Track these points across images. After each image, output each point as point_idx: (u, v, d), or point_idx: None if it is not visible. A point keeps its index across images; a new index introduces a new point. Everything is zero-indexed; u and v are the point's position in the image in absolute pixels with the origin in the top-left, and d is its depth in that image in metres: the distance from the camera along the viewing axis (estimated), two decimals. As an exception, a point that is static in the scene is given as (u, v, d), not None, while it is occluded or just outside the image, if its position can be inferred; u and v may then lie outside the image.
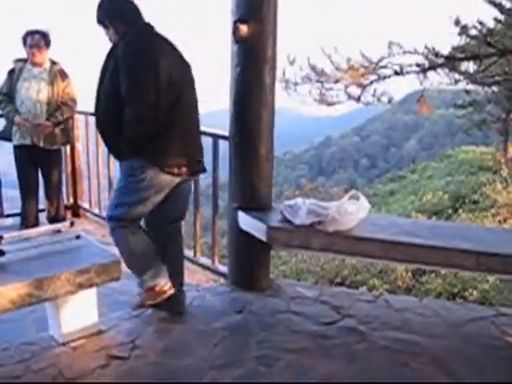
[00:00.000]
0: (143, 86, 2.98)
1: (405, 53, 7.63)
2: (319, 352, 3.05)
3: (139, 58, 3.01)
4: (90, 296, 2.88)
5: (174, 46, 3.24)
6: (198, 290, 3.90)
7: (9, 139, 4.97)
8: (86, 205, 5.79)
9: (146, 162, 3.06)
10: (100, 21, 3.24)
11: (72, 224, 3.02)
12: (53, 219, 5.37)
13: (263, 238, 3.37)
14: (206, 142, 4.24)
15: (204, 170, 3.43)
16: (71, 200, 5.81)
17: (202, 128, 4.28)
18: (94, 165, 5.53)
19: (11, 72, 4.90)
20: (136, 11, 3.23)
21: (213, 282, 4.31)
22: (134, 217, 3.19)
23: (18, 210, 5.47)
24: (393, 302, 3.74)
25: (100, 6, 3.24)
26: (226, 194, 4.27)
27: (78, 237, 2.92)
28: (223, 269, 4.19)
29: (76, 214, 5.82)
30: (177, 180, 3.20)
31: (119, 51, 3.04)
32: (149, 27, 3.21)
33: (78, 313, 2.91)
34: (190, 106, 3.26)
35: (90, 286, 2.70)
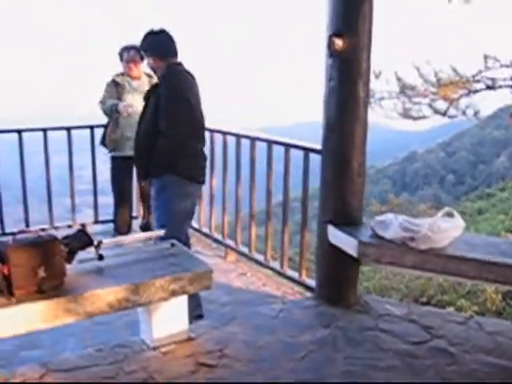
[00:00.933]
0: (180, 126, 3.64)
1: (501, 66, 7.37)
2: (408, 371, 2.99)
3: (178, 103, 3.65)
4: (181, 303, 2.94)
5: (196, 81, 3.89)
6: (284, 303, 3.91)
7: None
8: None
9: (177, 176, 3.70)
10: (143, 49, 3.93)
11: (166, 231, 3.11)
12: (145, 227, 5.55)
13: (353, 253, 3.34)
14: (296, 155, 4.27)
15: None
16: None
17: (293, 141, 4.34)
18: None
19: (116, 84, 5.10)
20: (173, 48, 3.84)
21: (299, 294, 4.30)
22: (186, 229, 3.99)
23: (111, 217, 5.69)
24: (484, 324, 3.61)
25: (145, 38, 3.85)
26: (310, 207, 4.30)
27: (172, 245, 3.00)
28: (310, 282, 4.18)
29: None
30: (199, 188, 4.01)
31: (161, 91, 3.69)
32: (181, 67, 3.83)
33: (169, 319, 2.98)
34: (204, 133, 3.94)
35: (183, 293, 2.76)
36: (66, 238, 2.71)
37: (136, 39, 3.92)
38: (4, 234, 5.34)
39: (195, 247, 5.25)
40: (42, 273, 2.41)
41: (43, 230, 5.45)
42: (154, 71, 3.92)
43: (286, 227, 4.40)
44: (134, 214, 5.72)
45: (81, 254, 2.76)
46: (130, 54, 5.07)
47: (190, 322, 3.18)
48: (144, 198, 5.47)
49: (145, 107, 3.88)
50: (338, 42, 3.43)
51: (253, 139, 4.67)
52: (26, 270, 2.39)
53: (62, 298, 2.44)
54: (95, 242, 2.78)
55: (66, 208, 5.77)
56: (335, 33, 3.44)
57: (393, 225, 3.30)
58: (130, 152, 5.12)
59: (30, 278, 2.40)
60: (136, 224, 5.70)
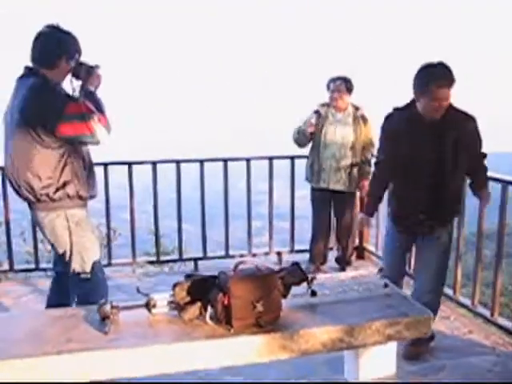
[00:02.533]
0: None
1: None
2: None
3: None
4: (390, 347, 2.78)
5: None
6: (497, 355, 3.58)
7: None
8: (371, 247, 5.77)
9: None
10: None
11: (380, 271, 2.97)
12: (340, 260, 5.47)
13: None
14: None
15: None
16: (356, 241, 5.84)
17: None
18: (384, 208, 5.48)
19: (316, 112, 5.12)
20: None
21: (511, 346, 3.92)
22: None
23: (305, 247, 5.69)
24: None
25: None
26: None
27: (385, 285, 2.86)
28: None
29: (361, 256, 5.83)
30: None
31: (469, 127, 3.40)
32: None
33: (378, 362, 2.82)
34: None
35: (398, 338, 2.60)
36: (280, 270, 2.70)
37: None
38: (206, 257, 5.58)
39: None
40: (260, 307, 2.40)
41: (242, 256, 5.64)
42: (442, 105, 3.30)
43: (500, 270, 4.04)
44: (330, 245, 5.65)
45: (293, 289, 2.72)
46: (335, 84, 5.05)
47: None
48: (341, 230, 5.39)
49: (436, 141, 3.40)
50: None
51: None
52: (246, 302, 2.40)
53: (278, 334, 2.41)
54: (309, 278, 2.73)
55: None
56: None
57: None
58: (323, 184, 5.11)
59: (248, 310, 2.40)
60: (332, 255, 5.64)
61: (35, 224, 3.40)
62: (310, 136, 5.06)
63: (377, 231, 5.61)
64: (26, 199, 3.24)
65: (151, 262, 5.76)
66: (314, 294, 2.73)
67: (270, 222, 5.68)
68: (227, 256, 5.62)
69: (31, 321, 2.57)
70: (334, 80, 5.08)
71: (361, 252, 5.83)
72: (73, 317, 2.56)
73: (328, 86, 5.11)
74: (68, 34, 3.20)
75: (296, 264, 2.74)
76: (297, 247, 5.84)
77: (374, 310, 2.64)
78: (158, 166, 5.35)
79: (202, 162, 5.40)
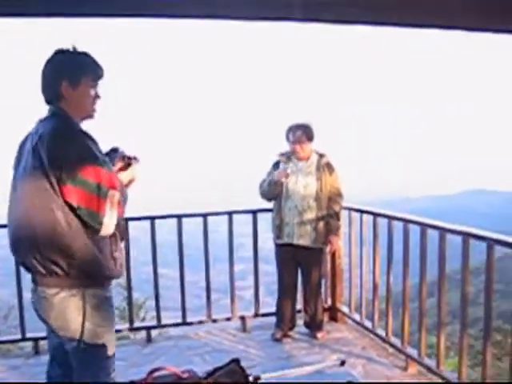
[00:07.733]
0: None
1: None
2: None
3: None
4: None
5: None
6: None
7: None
8: (345, 308, 5.19)
9: None
10: None
11: (343, 364, 2.40)
12: (309, 323, 4.90)
13: None
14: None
15: None
16: (329, 301, 5.27)
17: (450, 225, 3.54)
18: (357, 266, 4.94)
19: (276, 165, 4.69)
20: None
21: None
22: None
23: (270, 310, 5.12)
24: None
25: None
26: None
27: None
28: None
29: (333, 318, 5.24)
30: None
31: None
32: None
33: None
34: None
35: None
36: (215, 371, 2.13)
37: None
38: (160, 325, 4.98)
39: (369, 352, 4.47)
40: (180, 428, 1.83)
41: (201, 322, 5.05)
42: None
43: (487, 339, 3.48)
44: (299, 307, 5.05)
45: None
46: (295, 135, 4.61)
47: None
48: (309, 290, 4.82)
49: None
50: None
51: (406, 221, 4.22)
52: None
53: None
54: (251, 378, 2.16)
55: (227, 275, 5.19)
56: None
57: None
58: (287, 239, 4.61)
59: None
60: (300, 318, 5.04)
61: (34, 302, 2.46)
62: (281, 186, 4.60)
63: (350, 290, 5.06)
64: (30, 270, 2.40)
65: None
66: (258, 398, 2.15)
67: (232, 288, 5.10)
68: (184, 323, 5.02)
69: None
70: (292, 130, 4.62)
71: (334, 313, 5.24)
72: None
73: (287, 137, 4.65)
74: (63, 52, 2.42)
75: (235, 361, 2.17)
76: (263, 308, 5.24)
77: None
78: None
79: (179, 216, 4.88)
